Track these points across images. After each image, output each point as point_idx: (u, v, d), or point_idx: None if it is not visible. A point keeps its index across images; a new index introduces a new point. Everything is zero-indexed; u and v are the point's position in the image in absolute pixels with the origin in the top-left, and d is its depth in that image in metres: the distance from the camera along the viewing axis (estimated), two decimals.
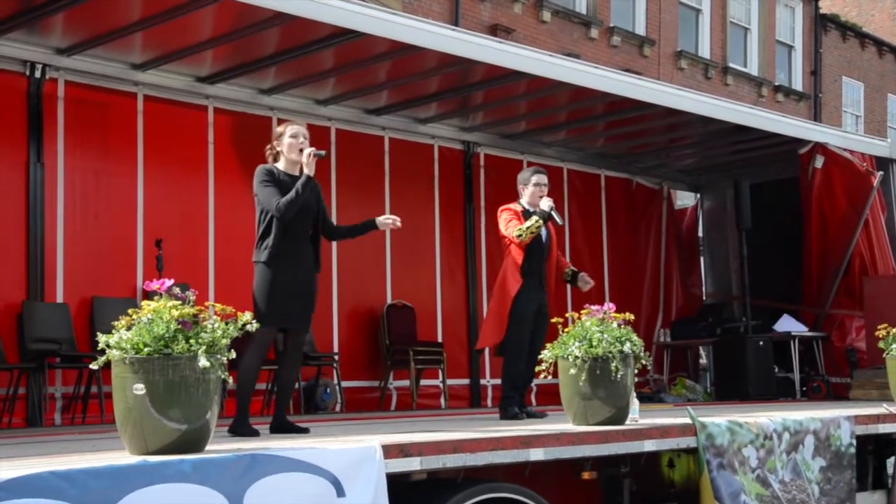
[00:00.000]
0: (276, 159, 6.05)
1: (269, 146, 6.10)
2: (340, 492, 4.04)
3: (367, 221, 6.36)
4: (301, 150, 5.92)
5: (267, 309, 5.76)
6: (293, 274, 5.89)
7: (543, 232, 7.58)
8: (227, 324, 4.15)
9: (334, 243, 10.68)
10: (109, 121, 9.38)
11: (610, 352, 5.67)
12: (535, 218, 7.42)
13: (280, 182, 5.89)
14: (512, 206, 7.65)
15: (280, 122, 7.03)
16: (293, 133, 5.98)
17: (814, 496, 6.32)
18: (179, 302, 4.07)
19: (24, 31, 8.47)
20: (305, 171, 5.86)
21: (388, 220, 6.32)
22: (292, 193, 5.80)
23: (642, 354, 5.87)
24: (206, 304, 4.22)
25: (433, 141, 11.87)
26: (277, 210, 5.79)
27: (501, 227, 7.58)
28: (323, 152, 5.97)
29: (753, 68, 24.66)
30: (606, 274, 13.59)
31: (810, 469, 6.38)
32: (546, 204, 7.48)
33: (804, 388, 12.29)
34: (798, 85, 26.04)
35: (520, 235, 7.39)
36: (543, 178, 7.68)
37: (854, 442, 6.72)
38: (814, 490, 6.35)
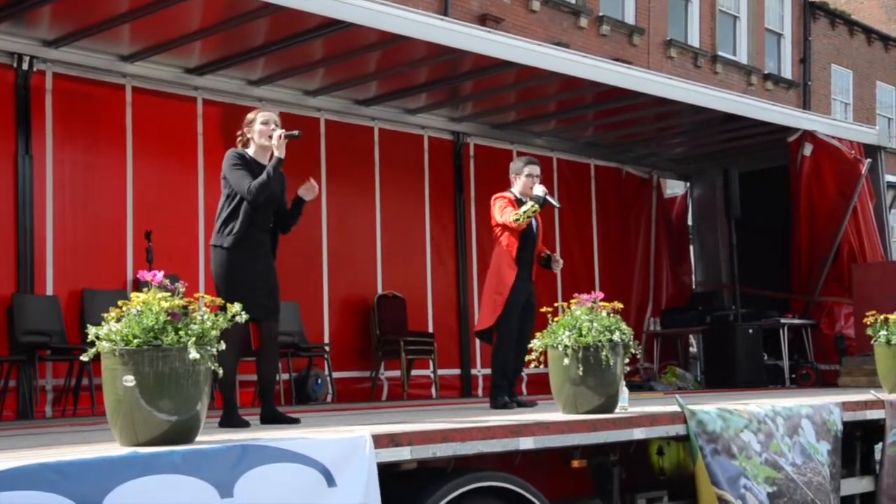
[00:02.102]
0: (245, 146, 5.97)
1: (239, 132, 6.00)
2: (331, 482, 4.05)
3: (294, 199, 6.11)
4: (271, 137, 5.83)
5: (234, 301, 5.70)
6: (255, 263, 5.84)
7: (533, 222, 7.60)
8: (216, 315, 4.15)
9: (324, 238, 10.71)
10: (98, 113, 9.36)
11: (599, 340, 5.68)
12: (531, 203, 7.44)
13: (250, 167, 5.82)
14: (506, 193, 7.66)
15: None
16: (264, 119, 5.89)
17: (827, 478, 6.37)
18: (169, 293, 4.07)
19: (11, 23, 8.44)
20: (276, 153, 5.79)
21: (307, 189, 6.09)
22: (263, 176, 5.73)
23: (632, 343, 5.89)
24: (196, 295, 4.22)
25: (423, 131, 11.86)
26: (249, 193, 5.72)
27: (496, 215, 7.56)
28: (296, 132, 5.86)
29: (743, 57, 24.68)
30: (596, 263, 13.62)
31: (819, 452, 6.42)
32: (540, 189, 7.50)
33: (793, 376, 12.34)
34: (787, 73, 26.07)
35: (517, 220, 7.39)
36: (536, 170, 7.68)
37: (842, 428, 6.77)
38: (826, 472, 6.39)
